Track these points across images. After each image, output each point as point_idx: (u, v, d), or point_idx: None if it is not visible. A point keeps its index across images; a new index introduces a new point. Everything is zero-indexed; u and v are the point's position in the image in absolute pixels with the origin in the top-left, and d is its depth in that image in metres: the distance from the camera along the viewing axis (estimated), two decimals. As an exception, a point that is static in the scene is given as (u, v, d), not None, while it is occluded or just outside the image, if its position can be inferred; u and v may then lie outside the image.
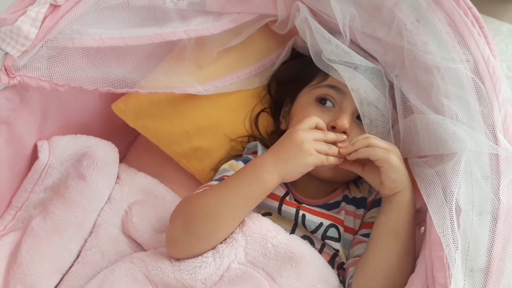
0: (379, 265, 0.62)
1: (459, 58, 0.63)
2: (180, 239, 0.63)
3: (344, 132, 0.69)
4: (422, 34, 0.66)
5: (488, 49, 0.63)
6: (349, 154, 0.66)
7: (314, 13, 0.78)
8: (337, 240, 0.70)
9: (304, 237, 0.68)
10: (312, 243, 0.68)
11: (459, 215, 0.55)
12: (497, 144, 0.59)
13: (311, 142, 0.64)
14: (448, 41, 0.64)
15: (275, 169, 0.63)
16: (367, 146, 0.64)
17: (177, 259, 0.63)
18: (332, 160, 0.66)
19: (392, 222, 0.63)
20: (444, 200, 0.57)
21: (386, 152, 0.64)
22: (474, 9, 0.66)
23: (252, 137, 0.84)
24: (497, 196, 0.56)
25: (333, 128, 0.70)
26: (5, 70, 0.62)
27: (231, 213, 0.63)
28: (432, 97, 0.65)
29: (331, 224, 0.70)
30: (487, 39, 0.65)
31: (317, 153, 0.64)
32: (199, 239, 0.62)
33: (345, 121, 0.69)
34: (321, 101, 0.75)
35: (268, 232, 0.64)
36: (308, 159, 0.63)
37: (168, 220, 0.66)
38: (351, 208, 0.74)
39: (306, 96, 0.78)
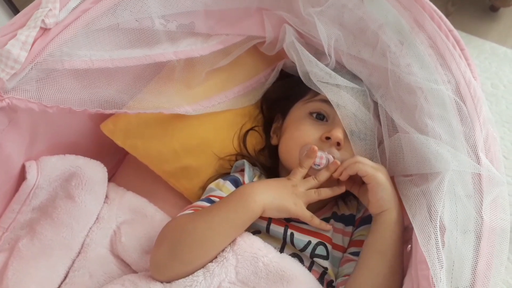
0: (366, 284, 0.62)
1: (441, 80, 0.65)
2: (165, 264, 0.63)
3: (338, 144, 0.71)
4: (405, 56, 0.68)
5: (469, 71, 0.65)
6: (341, 174, 0.68)
7: (301, 34, 0.79)
8: (326, 258, 0.70)
9: (293, 255, 0.68)
10: (301, 261, 0.69)
11: (444, 233, 0.56)
12: (479, 164, 0.60)
13: (302, 197, 0.68)
14: (430, 63, 0.66)
15: (262, 200, 0.65)
16: (356, 163, 0.66)
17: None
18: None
19: (378, 241, 0.64)
20: (429, 219, 0.58)
21: (373, 170, 0.66)
22: (455, 32, 0.68)
23: (240, 155, 0.85)
24: (480, 214, 0.58)
25: (327, 139, 0.72)
26: (-6, 92, 0.62)
27: (217, 239, 0.63)
28: (416, 117, 0.66)
29: (319, 242, 0.71)
30: (468, 61, 0.67)
31: (302, 207, 0.68)
32: (185, 264, 0.62)
33: (339, 133, 0.71)
34: (314, 115, 0.76)
35: (259, 250, 0.64)
36: (292, 208, 0.67)
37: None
38: (339, 225, 0.75)
39: (299, 110, 0.79)
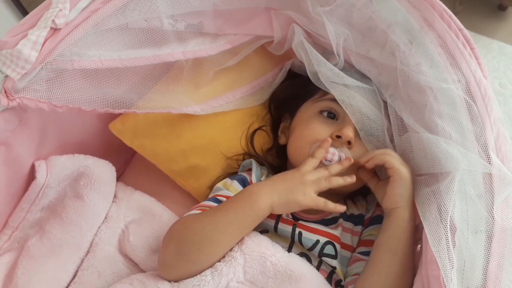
0: (378, 283, 0.62)
1: (451, 79, 0.65)
2: (172, 264, 0.63)
3: (349, 142, 0.71)
4: (414, 55, 0.67)
5: (479, 70, 0.65)
6: (367, 162, 0.68)
7: (309, 34, 0.79)
8: (334, 257, 0.70)
9: (301, 254, 0.68)
10: (309, 260, 0.69)
11: (455, 233, 0.56)
12: (490, 163, 0.60)
13: (311, 185, 0.66)
14: (440, 62, 0.66)
15: (269, 199, 0.64)
16: (385, 154, 0.67)
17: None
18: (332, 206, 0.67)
19: (389, 239, 0.64)
20: (440, 219, 0.58)
21: (400, 164, 0.66)
22: (465, 31, 0.67)
23: (247, 155, 0.85)
24: (492, 214, 0.57)
25: (338, 138, 0.71)
26: (5, 92, 0.62)
27: (225, 239, 0.63)
28: (425, 116, 0.66)
29: (328, 241, 0.70)
30: (478, 60, 0.66)
31: (312, 195, 0.65)
32: (192, 264, 0.62)
33: (349, 132, 0.71)
34: (325, 113, 0.76)
35: (267, 250, 0.64)
36: (301, 199, 0.65)
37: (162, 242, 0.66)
38: (349, 225, 0.75)
39: (309, 109, 0.79)
